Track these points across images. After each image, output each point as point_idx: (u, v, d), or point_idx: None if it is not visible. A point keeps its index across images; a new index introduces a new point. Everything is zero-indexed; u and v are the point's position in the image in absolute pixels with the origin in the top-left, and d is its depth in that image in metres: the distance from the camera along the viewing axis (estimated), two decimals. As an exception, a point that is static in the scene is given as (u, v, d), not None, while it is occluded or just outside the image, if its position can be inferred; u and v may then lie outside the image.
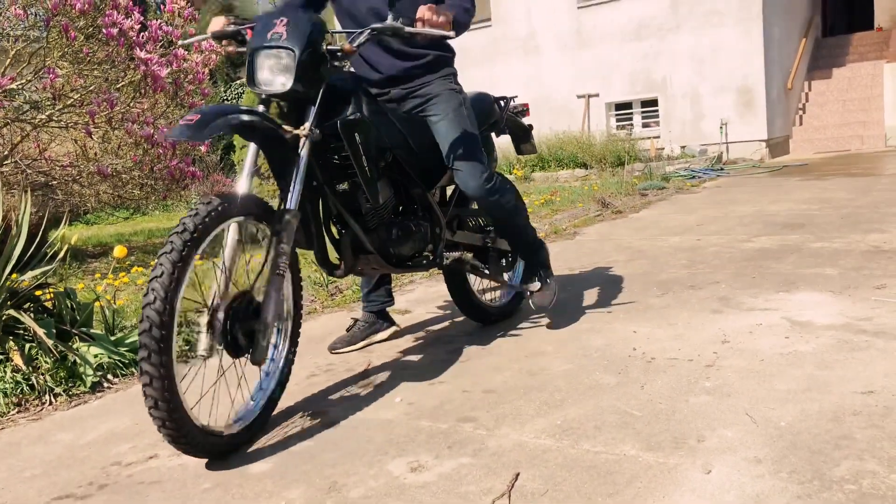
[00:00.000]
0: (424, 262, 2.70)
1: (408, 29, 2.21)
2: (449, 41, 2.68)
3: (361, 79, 2.47)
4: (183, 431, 1.81)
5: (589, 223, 5.91)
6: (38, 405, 2.49)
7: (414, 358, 2.71)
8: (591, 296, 3.42)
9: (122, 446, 2.10)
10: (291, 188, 2.10)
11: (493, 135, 3.04)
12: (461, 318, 3.23)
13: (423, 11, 2.22)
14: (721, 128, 11.13)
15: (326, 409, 2.25)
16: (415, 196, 2.66)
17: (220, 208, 1.90)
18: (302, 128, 2.15)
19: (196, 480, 1.83)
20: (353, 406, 2.26)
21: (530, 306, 3.00)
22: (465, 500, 1.62)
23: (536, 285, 2.89)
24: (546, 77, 12.26)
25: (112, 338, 2.85)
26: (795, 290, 3.17)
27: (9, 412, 2.43)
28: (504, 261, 3.09)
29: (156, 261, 1.79)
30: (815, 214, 5.26)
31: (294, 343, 2.28)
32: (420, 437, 1.97)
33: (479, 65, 12.02)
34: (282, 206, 2.10)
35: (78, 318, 2.84)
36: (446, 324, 3.20)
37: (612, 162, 10.21)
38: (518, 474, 1.71)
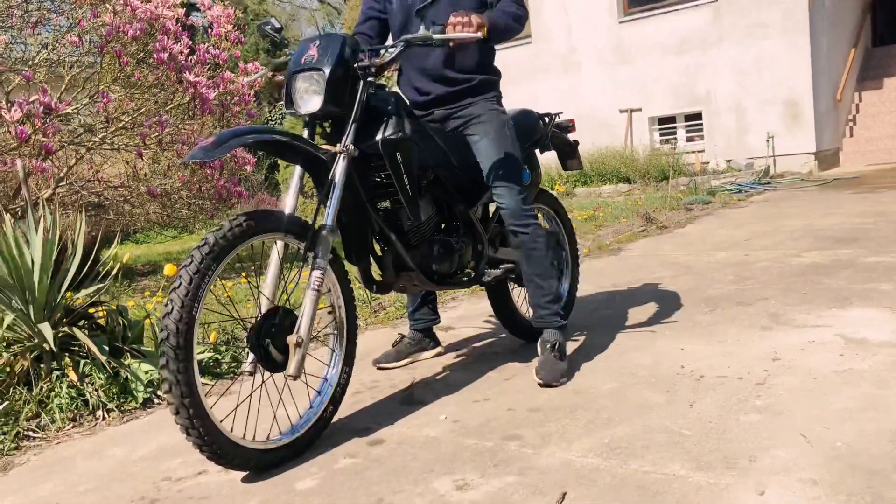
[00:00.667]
0: (466, 279, 2.70)
1: (437, 36, 2.22)
2: (494, 65, 2.73)
3: (402, 98, 2.48)
4: (209, 439, 1.84)
5: (633, 239, 5.84)
6: (91, 420, 2.55)
7: (458, 375, 2.71)
8: (636, 313, 3.37)
9: (173, 461, 2.13)
10: (328, 205, 2.15)
11: (536, 151, 3.03)
12: (504, 336, 3.22)
13: (452, 18, 2.24)
14: (767, 141, 10.92)
15: (371, 427, 2.25)
16: (457, 213, 2.67)
17: (244, 225, 1.95)
18: (339, 146, 2.18)
19: (244, 496, 1.85)
20: (398, 423, 2.26)
21: (580, 324, 2.95)
22: (512, 520, 1.60)
23: (544, 355, 2.57)
24: (587, 92, 12.21)
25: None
26: (849, 307, 3.08)
27: (64, 427, 2.49)
28: None
29: (178, 274, 1.85)
30: (869, 228, 5.11)
31: (349, 363, 2.30)
32: (465, 455, 1.97)
33: (519, 82, 12.04)
34: (316, 224, 2.13)
35: (129, 335, 2.90)
36: (490, 341, 3.18)
37: (656, 176, 10.09)
38: (565, 494, 1.69)
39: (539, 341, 2.62)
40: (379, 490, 1.81)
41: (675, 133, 12.07)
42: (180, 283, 1.83)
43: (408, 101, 2.54)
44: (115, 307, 2.97)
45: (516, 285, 3.02)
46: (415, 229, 2.47)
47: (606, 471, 1.79)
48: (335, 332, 2.31)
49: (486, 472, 1.85)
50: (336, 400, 2.23)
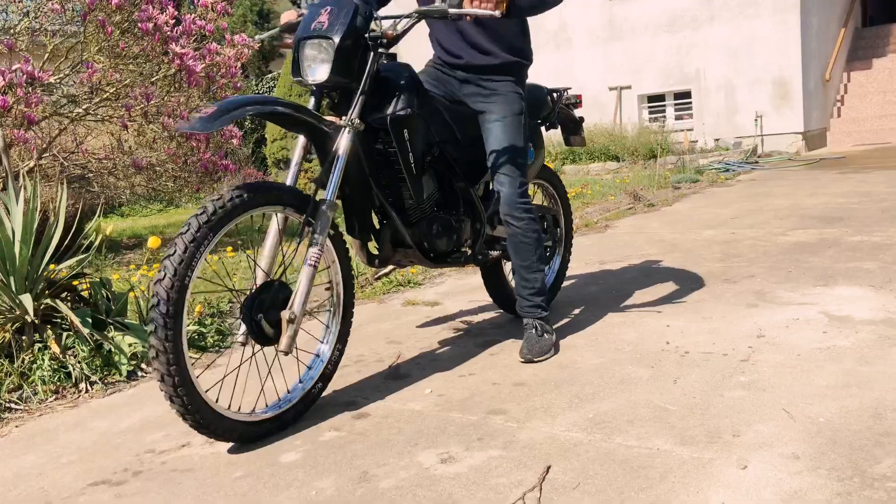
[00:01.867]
0: (462, 258, 2.68)
1: (452, 10, 2.15)
2: (528, 46, 2.65)
3: (413, 72, 2.39)
4: (192, 408, 1.83)
5: (621, 216, 5.84)
6: (74, 392, 2.53)
7: (443, 350, 2.70)
8: (622, 289, 3.38)
9: (156, 434, 2.12)
10: (329, 180, 2.10)
11: (542, 128, 2.99)
12: (491, 311, 3.22)
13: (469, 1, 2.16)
14: (756, 120, 10.93)
15: (356, 400, 2.25)
16: (458, 190, 2.62)
17: (244, 197, 1.90)
18: (345, 118, 2.14)
19: (228, 468, 1.85)
20: (383, 397, 2.26)
21: (566, 301, 2.96)
22: (496, 493, 1.60)
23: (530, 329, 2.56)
24: (577, 70, 12.15)
25: (146, 327, 2.88)
26: (834, 285, 3.10)
27: (46, 399, 2.47)
28: (545, 252, 3.02)
29: (173, 242, 1.82)
30: (854, 208, 5.14)
31: (342, 341, 2.28)
32: (450, 429, 1.97)
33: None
34: (317, 197, 2.10)
35: (113, 307, 2.88)
36: (476, 316, 3.18)
37: (645, 155, 10.09)
38: (549, 467, 1.69)
39: (523, 323, 2.61)
40: (363, 463, 1.81)
41: (664, 111, 12.06)
42: (175, 251, 1.80)
43: (412, 70, 2.43)
44: (98, 279, 2.94)
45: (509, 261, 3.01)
46: (415, 206, 2.44)
47: (590, 445, 1.79)
48: (331, 308, 2.29)
49: (471, 446, 1.85)
50: (326, 377, 2.22)
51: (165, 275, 1.79)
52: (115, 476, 1.86)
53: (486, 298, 3.42)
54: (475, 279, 3.85)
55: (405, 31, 2.26)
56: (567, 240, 3.30)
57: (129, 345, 2.72)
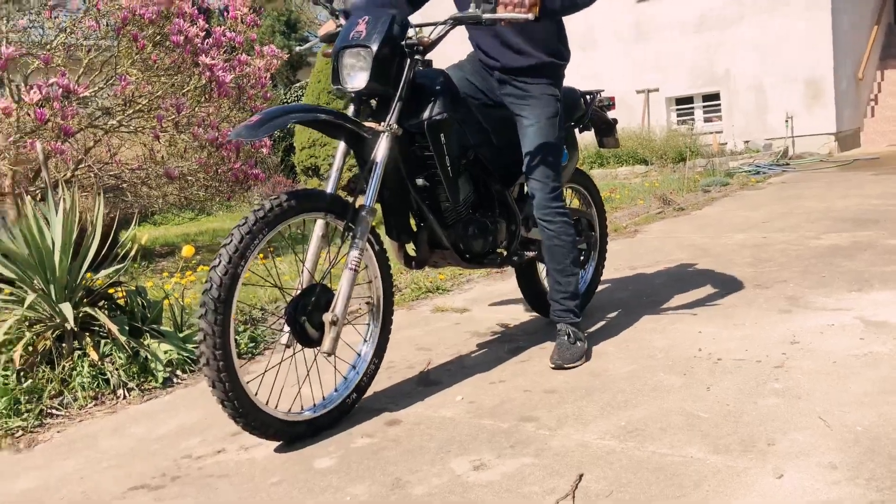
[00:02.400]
0: (498, 259, 2.71)
1: (486, 16, 2.18)
2: (565, 47, 2.69)
3: (449, 77, 2.44)
4: (233, 395, 1.88)
5: (650, 221, 5.81)
6: (112, 399, 2.59)
7: (473, 356, 2.71)
8: (653, 295, 3.36)
9: (192, 440, 2.16)
10: (368, 185, 2.16)
11: (576, 130, 3.00)
12: (520, 318, 3.22)
13: (502, 5, 2.19)
14: (787, 121, 10.78)
15: (388, 406, 2.27)
16: (493, 192, 2.65)
17: (293, 202, 2.00)
18: (382, 123, 2.19)
19: (263, 474, 1.88)
20: (414, 403, 2.27)
21: (597, 306, 2.94)
22: (529, 501, 1.61)
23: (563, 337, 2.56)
24: (604, 72, 12.09)
25: (181, 335, 2.94)
26: (869, 289, 3.05)
27: (86, 405, 2.53)
28: (580, 255, 3.02)
29: (230, 233, 1.92)
30: (890, 210, 5.05)
31: (378, 355, 2.32)
32: (482, 436, 1.98)
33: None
34: (357, 203, 2.15)
35: (148, 315, 2.93)
36: (505, 322, 3.19)
37: (673, 158, 10.00)
38: (582, 475, 1.69)
39: (557, 329, 2.61)
40: (396, 470, 1.83)
41: (692, 114, 11.96)
42: (231, 240, 1.90)
43: (448, 76, 2.47)
44: (133, 288, 3.00)
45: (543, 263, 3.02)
46: (451, 208, 2.48)
47: (623, 453, 1.79)
48: (369, 322, 2.35)
49: (503, 453, 1.86)
50: (361, 388, 2.26)
51: (220, 262, 1.88)
52: (153, 481, 1.90)
53: (514, 305, 3.43)
54: (503, 286, 3.86)
55: (440, 38, 2.29)
56: (602, 244, 3.30)
57: (165, 352, 2.77)
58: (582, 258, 3.08)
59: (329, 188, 2.14)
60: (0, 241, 2.77)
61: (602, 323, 2.98)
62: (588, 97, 3.00)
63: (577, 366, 2.47)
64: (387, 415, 2.21)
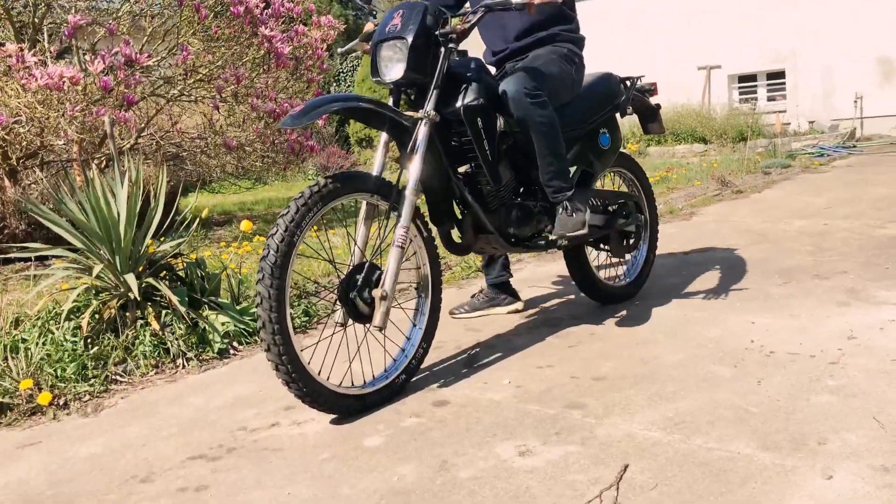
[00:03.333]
0: (543, 242, 2.73)
1: (516, 1, 2.28)
2: (570, 12, 2.75)
3: (484, 64, 2.53)
4: (286, 360, 1.98)
5: (707, 203, 5.69)
6: (172, 368, 2.69)
7: (522, 340, 2.73)
8: (706, 281, 3.31)
9: (248, 412, 2.24)
10: (410, 169, 2.24)
11: (617, 115, 2.99)
12: (570, 300, 3.22)
13: None
14: (855, 101, 10.38)
15: (436, 387, 2.31)
16: (534, 177, 2.66)
17: (344, 182, 2.13)
18: (421, 111, 2.26)
19: (314, 450, 1.94)
20: (462, 385, 2.31)
21: (648, 293, 2.92)
22: (573, 489, 1.63)
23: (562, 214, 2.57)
24: (663, 48, 11.80)
25: (238, 307, 3.03)
26: (935, 285, 2.95)
27: (148, 373, 2.64)
28: (626, 241, 3.05)
29: (287, 205, 2.04)
30: (962, 199, 4.85)
31: (427, 338, 2.38)
32: (528, 422, 2.00)
33: (591, 36, 11.71)
34: (400, 185, 2.24)
35: (207, 286, 3.03)
36: (555, 306, 3.19)
37: (734, 137, 9.75)
38: (627, 466, 1.70)
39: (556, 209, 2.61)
40: (443, 452, 1.87)
41: (755, 92, 11.60)
42: (288, 211, 2.02)
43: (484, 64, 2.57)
44: (193, 259, 3.09)
45: (593, 248, 3.03)
46: (494, 193, 2.52)
47: (669, 445, 1.79)
48: (420, 297, 2.43)
49: (548, 440, 1.88)
50: (410, 371, 2.31)
51: (278, 230, 2.00)
52: (210, 451, 1.99)
53: (564, 286, 3.43)
54: (553, 266, 3.86)
55: (473, 26, 2.40)
56: (652, 228, 3.28)
57: (222, 324, 2.86)
58: (632, 241, 3.07)
59: (375, 172, 2.25)
60: (70, 211, 2.88)
61: (653, 309, 2.96)
62: (627, 82, 3.01)
63: (578, 234, 2.52)
64: (435, 395, 2.25)
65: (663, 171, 7.34)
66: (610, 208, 3.02)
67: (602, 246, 3.01)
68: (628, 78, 3.03)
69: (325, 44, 6.55)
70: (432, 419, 2.08)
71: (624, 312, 2.96)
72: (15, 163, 5.55)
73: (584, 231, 2.52)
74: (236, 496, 1.74)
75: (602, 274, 3.13)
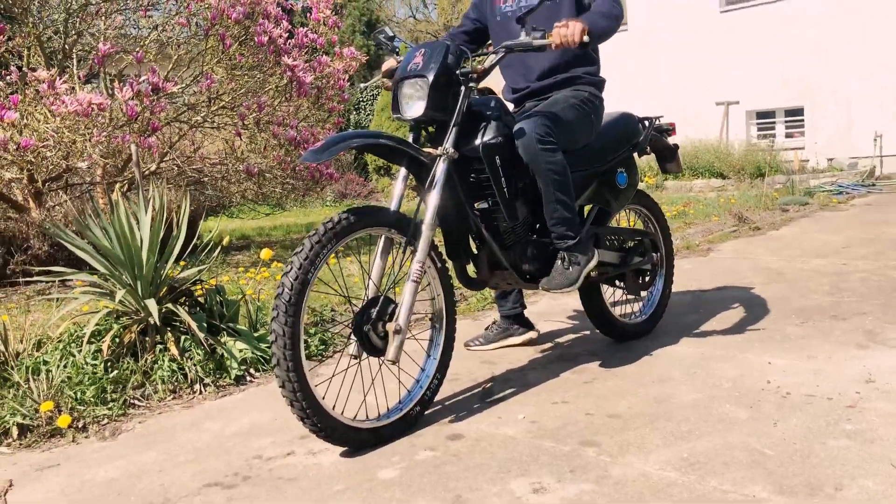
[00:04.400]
0: None
1: (537, 42, 2.32)
2: (594, 54, 2.79)
3: (503, 102, 2.57)
4: (301, 395, 2.00)
5: (724, 239, 5.69)
6: (189, 393, 2.72)
7: (537, 374, 2.73)
8: (723, 320, 3.30)
9: (264, 440, 2.26)
10: (427, 205, 2.27)
11: (635, 155, 3.02)
12: (586, 335, 3.22)
13: (556, 29, 2.32)
14: (875, 139, 10.35)
15: (451, 419, 2.32)
16: None
17: (360, 217, 2.16)
18: (440, 148, 2.31)
19: (329, 481, 1.95)
20: (476, 419, 2.32)
21: (665, 329, 2.92)
22: (587, 529, 1.63)
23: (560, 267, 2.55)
24: (683, 83, 11.87)
25: (255, 334, 3.05)
26: (955, 329, 2.93)
27: (165, 398, 2.67)
28: (641, 279, 3.06)
29: (302, 242, 2.07)
30: (982, 241, 4.81)
31: (442, 370, 2.39)
32: (542, 458, 2.00)
33: (614, 71, 11.80)
34: (417, 219, 2.26)
35: (226, 313, 3.06)
36: (570, 340, 3.19)
37: (752, 173, 9.74)
38: (641, 507, 1.70)
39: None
40: (457, 486, 1.87)
41: (773, 128, 11.61)
42: (302, 249, 2.04)
43: (503, 103, 2.61)
44: (212, 285, 3.13)
45: (608, 286, 3.04)
46: (510, 230, 2.55)
47: (684, 486, 1.79)
48: (434, 329, 2.44)
49: (563, 478, 1.88)
50: (424, 402, 2.32)
51: (292, 268, 2.02)
52: (226, 479, 2.00)
53: (580, 321, 3.43)
54: (569, 300, 3.86)
55: (493, 66, 2.42)
56: (668, 264, 3.28)
57: (240, 350, 2.89)
58: (647, 279, 3.08)
59: (392, 207, 2.27)
60: (94, 236, 2.94)
61: (669, 346, 2.95)
62: (646, 122, 3.04)
63: (568, 290, 2.52)
64: (449, 428, 2.25)
65: (680, 205, 7.34)
66: (626, 246, 3.03)
67: (617, 283, 3.01)
68: (647, 118, 3.06)
69: (347, 74, 6.65)
70: (447, 453, 2.08)
71: (640, 349, 2.95)
72: (40, 185, 5.66)
73: (574, 288, 2.53)
74: (251, 526, 1.75)
75: (617, 310, 3.13)
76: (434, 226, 2.26)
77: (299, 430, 2.25)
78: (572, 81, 2.73)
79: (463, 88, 2.34)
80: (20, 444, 2.33)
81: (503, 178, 2.43)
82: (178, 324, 2.92)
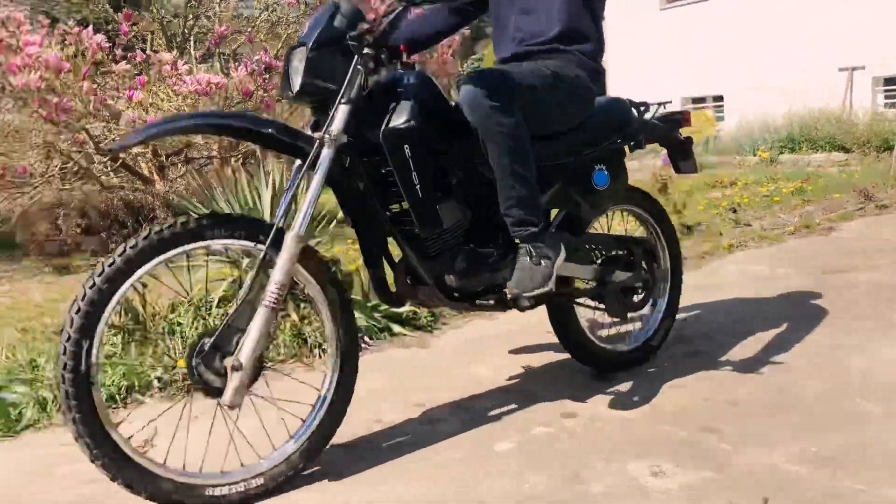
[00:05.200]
0: (495, 301, 2.18)
1: None
2: (594, 32, 2.24)
3: (428, 79, 2.08)
4: (90, 435, 1.66)
5: (847, 218, 5.36)
6: (309, 357, 2.85)
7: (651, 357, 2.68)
8: (849, 306, 3.13)
9: (381, 405, 2.34)
10: (299, 207, 1.84)
11: (626, 149, 2.47)
12: (699, 317, 3.13)
13: None
14: None
15: (564, 398, 2.32)
16: (496, 218, 2.10)
17: (184, 229, 1.75)
18: (319, 132, 1.85)
19: (447, 449, 2.01)
20: (591, 399, 2.31)
21: (784, 315, 2.78)
22: (710, 517, 1.61)
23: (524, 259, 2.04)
24: (800, 46, 11.17)
25: (368, 304, 3.15)
26: None
27: (287, 360, 2.81)
28: (629, 298, 2.49)
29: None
30: None
31: (335, 418, 1.95)
32: (660, 442, 1.98)
33: (732, 42, 11.24)
34: (280, 226, 1.83)
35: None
36: (682, 322, 3.12)
37: (878, 146, 9.09)
38: (767, 500, 1.66)
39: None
40: (573, 463, 1.89)
41: (904, 97, 10.78)
42: (84, 293, 1.66)
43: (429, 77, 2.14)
44: (330, 258, 3.24)
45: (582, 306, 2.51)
46: (434, 236, 2.06)
47: (815, 482, 1.73)
48: (325, 371, 2.04)
49: (682, 463, 1.85)
50: (310, 453, 1.90)
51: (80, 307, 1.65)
52: (347, 440, 2.09)
53: (693, 301, 3.32)
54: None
55: (392, 24, 1.91)
56: (674, 280, 2.72)
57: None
58: (637, 298, 2.52)
59: (279, 212, 1.89)
60: (220, 207, 3.10)
61: (792, 332, 2.83)
62: (640, 108, 2.49)
63: (542, 292, 2.01)
64: (563, 406, 2.26)
65: (798, 181, 6.96)
66: (604, 257, 2.48)
67: (595, 303, 2.48)
68: (643, 104, 2.51)
69: (451, 49, 6.67)
70: (561, 429, 2.10)
71: (759, 333, 2.84)
72: (164, 159, 6.01)
73: (550, 288, 2.01)
74: (377, 486, 1.84)
75: (604, 332, 2.67)
76: (307, 238, 1.81)
77: (416, 398, 2.34)
78: (557, 53, 2.18)
79: (356, 57, 1.86)
80: (162, 396, 2.51)
81: (414, 174, 1.94)
82: (297, 292, 3.04)
